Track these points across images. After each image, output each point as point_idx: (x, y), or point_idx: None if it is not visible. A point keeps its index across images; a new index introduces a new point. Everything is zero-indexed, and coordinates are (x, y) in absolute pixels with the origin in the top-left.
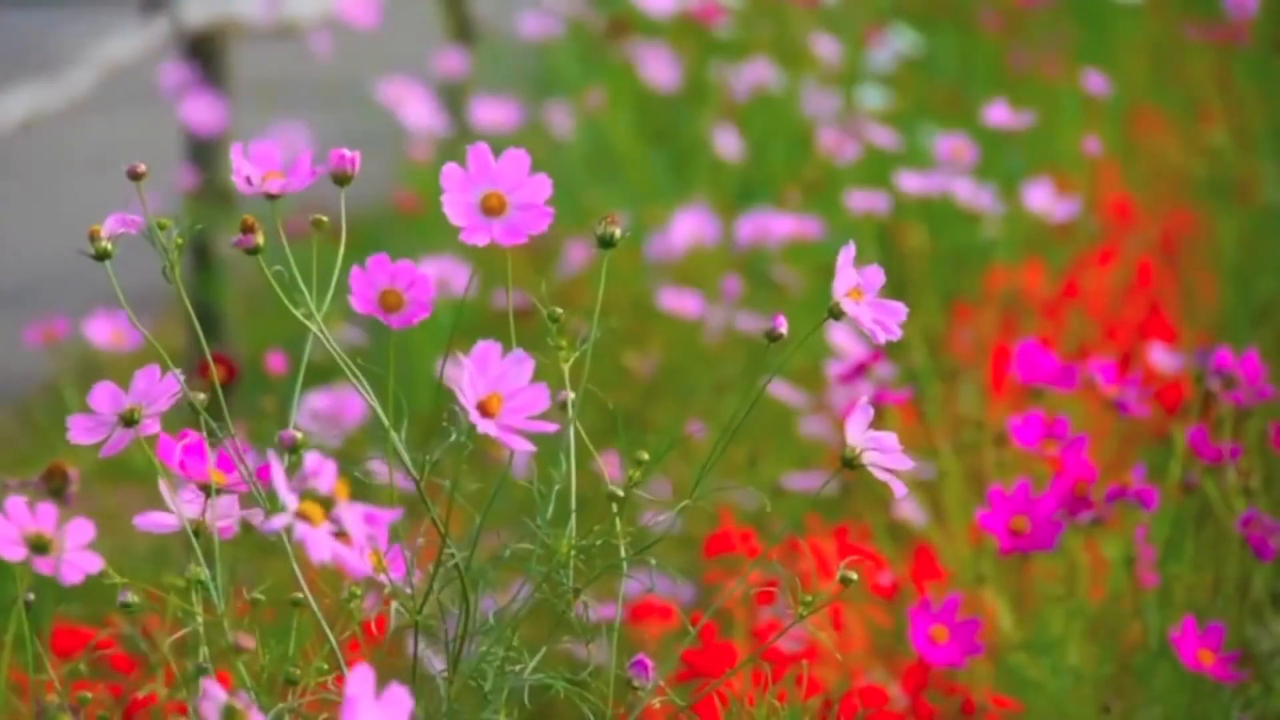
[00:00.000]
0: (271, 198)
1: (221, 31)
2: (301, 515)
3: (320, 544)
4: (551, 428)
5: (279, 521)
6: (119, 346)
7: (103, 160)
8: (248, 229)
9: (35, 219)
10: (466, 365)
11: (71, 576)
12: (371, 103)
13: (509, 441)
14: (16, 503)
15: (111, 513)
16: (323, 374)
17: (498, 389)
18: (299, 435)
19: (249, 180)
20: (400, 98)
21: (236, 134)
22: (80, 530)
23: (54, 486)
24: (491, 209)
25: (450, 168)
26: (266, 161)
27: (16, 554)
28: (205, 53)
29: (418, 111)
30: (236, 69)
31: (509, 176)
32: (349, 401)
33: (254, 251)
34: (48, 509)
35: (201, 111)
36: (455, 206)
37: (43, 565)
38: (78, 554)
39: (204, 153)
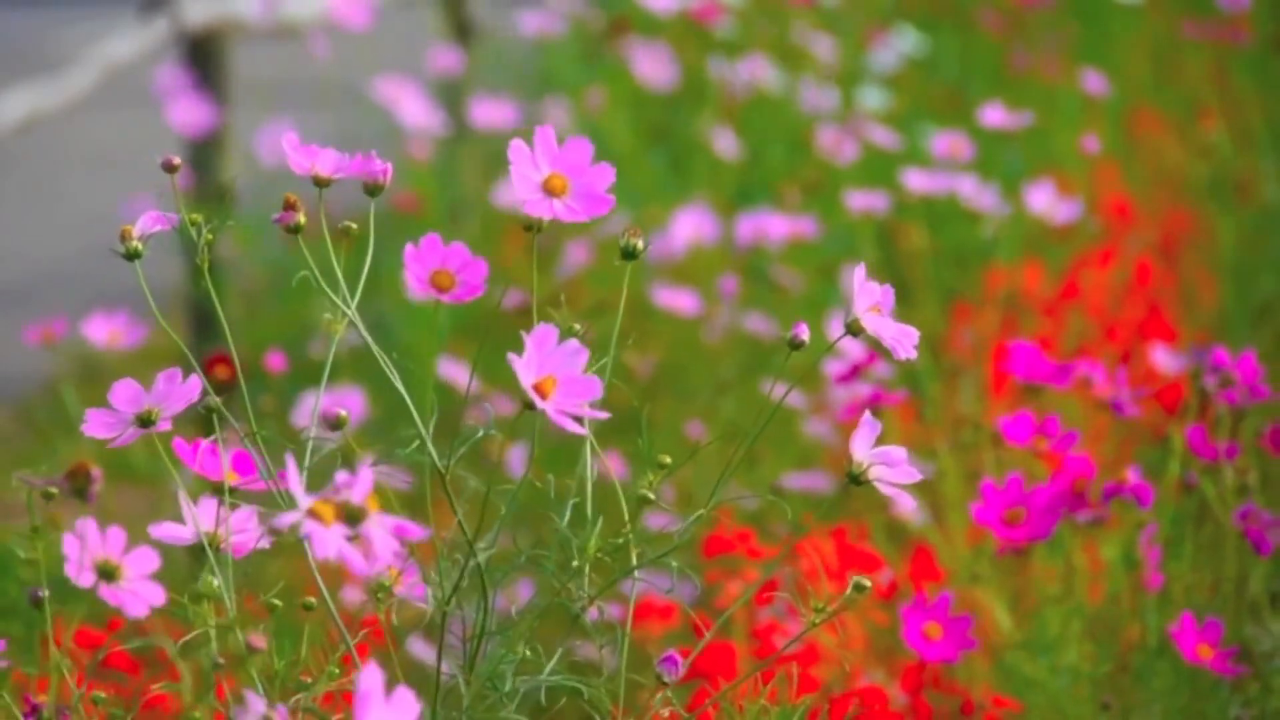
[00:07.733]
0: (321, 184)
1: (221, 32)
2: (313, 514)
3: (326, 542)
4: (603, 415)
5: (289, 518)
6: (117, 346)
7: (103, 160)
8: (290, 206)
9: (35, 219)
10: (527, 344)
11: (136, 609)
12: (370, 103)
13: (561, 423)
14: (89, 525)
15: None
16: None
17: (553, 373)
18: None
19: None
20: (395, 97)
21: (235, 135)
22: (144, 559)
23: (77, 486)
24: (554, 190)
25: (517, 144)
26: (312, 154)
27: (85, 580)
28: (205, 53)
29: (413, 110)
30: (236, 69)
31: (572, 162)
32: (348, 402)
33: (295, 230)
34: (117, 533)
35: (188, 113)
36: (521, 181)
37: (109, 595)
38: (142, 584)
39: (202, 153)
